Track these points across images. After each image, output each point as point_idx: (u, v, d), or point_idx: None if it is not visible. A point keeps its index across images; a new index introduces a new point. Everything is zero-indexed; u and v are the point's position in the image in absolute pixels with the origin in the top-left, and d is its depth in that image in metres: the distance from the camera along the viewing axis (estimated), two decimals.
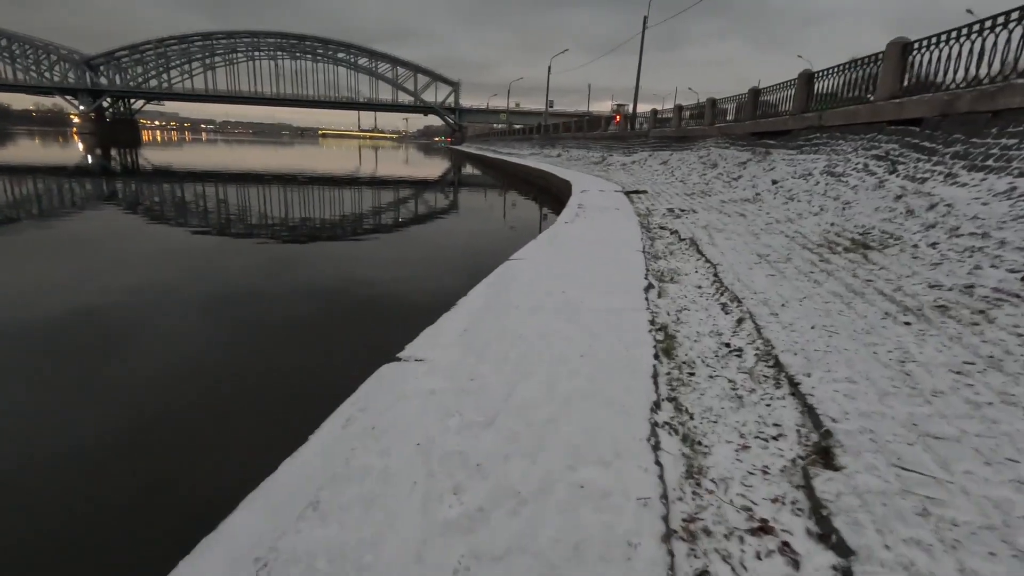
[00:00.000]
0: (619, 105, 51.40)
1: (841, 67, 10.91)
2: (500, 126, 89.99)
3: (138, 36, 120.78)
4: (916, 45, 8.42)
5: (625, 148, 26.31)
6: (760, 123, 14.55)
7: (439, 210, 17.73)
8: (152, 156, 41.95)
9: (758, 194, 9.78)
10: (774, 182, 10.05)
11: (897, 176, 7.05)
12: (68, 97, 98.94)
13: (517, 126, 74.80)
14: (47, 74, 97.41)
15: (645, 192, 13.19)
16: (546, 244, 6.49)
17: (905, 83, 8.66)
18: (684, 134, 21.31)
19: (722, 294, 4.45)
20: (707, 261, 5.68)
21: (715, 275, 5.07)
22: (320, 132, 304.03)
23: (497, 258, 5.88)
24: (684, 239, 7.06)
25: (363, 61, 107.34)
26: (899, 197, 6.32)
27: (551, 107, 55.89)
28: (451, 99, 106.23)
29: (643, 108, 34.15)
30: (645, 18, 31.49)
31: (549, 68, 50.96)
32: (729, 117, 17.80)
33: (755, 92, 15.45)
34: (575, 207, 10.32)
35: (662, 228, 8.07)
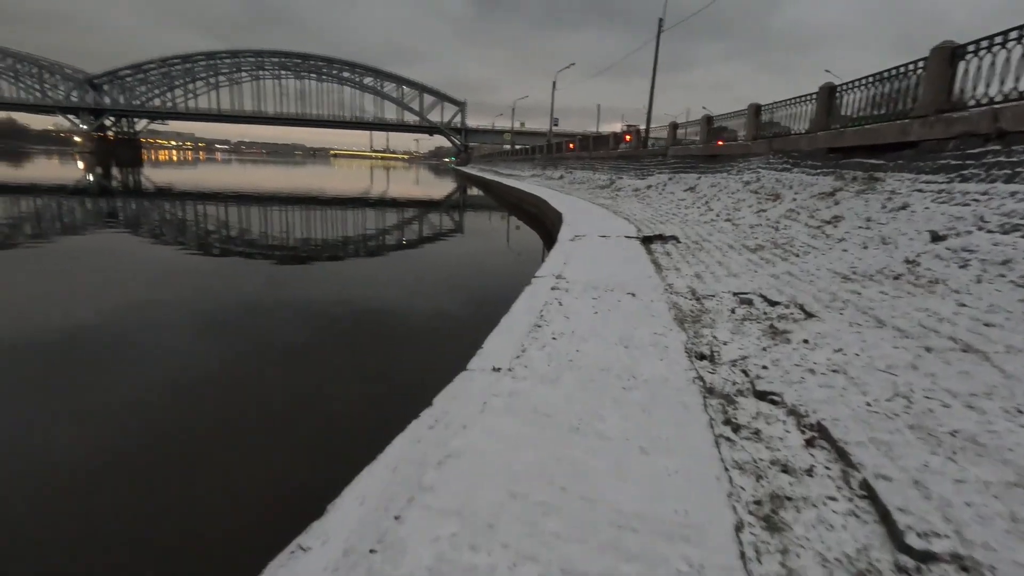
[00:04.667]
0: (629, 125, 46.74)
1: None
2: (507, 146, 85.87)
3: (144, 56, 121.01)
4: None
5: (638, 169, 21.59)
6: (845, 134, 9.68)
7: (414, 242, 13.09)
8: (155, 176, 40.69)
9: (914, 264, 4.88)
10: (936, 238, 5.15)
11: None
12: (71, 116, 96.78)
13: (519, 146, 70.32)
14: (50, 93, 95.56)
15: (675, 239, 8.32)
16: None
17: None
18: (715, 152, 16.55)
19: None
20: None
21: None
22: (332, 152, 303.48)
23: None
24: None
25: (368, 80, 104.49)
26: None
27: (556, 125, 51.51)
28: (457, 119, 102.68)
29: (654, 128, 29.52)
30: (660, 20, 27.21)
31: (554, 83, 46.64)
32: (789, 127, 12.95)
33: (830, 90, 10.62)
34: (548, 287, 5.44)
35: (768, 418, 2.65)
